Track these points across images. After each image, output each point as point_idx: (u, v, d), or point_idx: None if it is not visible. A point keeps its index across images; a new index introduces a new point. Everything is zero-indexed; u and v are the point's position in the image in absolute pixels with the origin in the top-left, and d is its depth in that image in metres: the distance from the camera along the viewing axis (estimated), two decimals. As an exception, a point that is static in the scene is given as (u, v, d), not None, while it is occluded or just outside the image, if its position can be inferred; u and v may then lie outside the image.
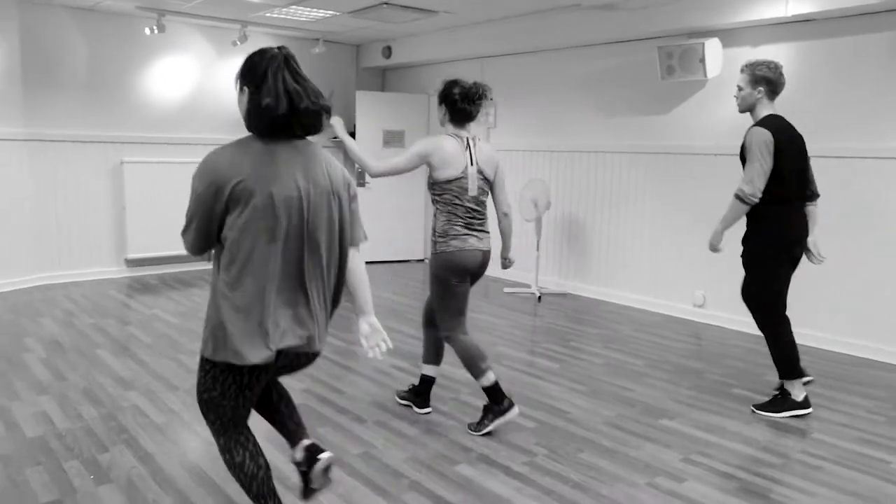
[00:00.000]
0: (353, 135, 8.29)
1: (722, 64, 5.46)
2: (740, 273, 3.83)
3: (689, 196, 5.80)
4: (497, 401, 3.37)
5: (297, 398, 3.83)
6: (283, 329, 2.05)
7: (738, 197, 3.59)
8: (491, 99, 7.43)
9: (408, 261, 8.41)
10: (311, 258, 2.09)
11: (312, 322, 2.11)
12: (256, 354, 1.99)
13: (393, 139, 8.12)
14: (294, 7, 6.30)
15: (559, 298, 6.55)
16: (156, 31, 6.58)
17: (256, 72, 2.05)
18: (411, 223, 8.35)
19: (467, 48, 7.23)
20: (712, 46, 5.36)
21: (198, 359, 4.13)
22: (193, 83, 7.33)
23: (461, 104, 3.40)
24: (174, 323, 5.35)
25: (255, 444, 2.22)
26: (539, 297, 6.48)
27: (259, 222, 1.98)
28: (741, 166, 3.67)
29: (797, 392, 3.71)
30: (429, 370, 3.65)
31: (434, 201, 3.46)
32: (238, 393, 2.10)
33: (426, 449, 3.23)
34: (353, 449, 3.21)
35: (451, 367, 4.41)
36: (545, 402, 3.86)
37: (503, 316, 5.80)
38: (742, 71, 3.65)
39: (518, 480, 2.93)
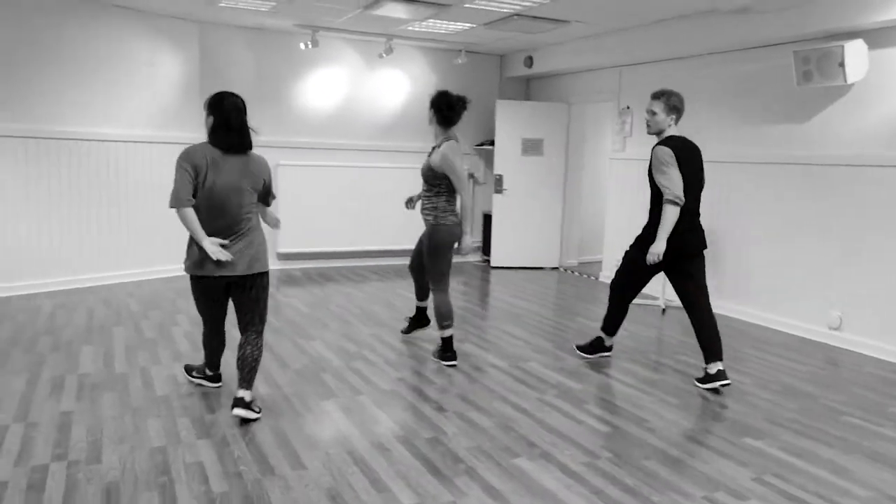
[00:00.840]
0: (491, 143, 8.54)
1: (867, 67, 5.07)
2: (883, 294, 3.65)
3: (828, 209, 5.42)
4: (446, 350, 4.54)
5: (389, 385, 4.11)
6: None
7: (672, 202, 4.03)
8: (628, 108, 7.37)
9: (542, 268, 8.49)
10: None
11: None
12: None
13: (531, 147, 8.26)
14: (431, 20, 6.66)
15: (684, 312, 6.35)
16: (310, 46, 7.23)
17: (219, 107, 3.38)
18: (547, 231, 8.42)
19: (605, 57, 7.22)
20: (854, 49, 5.00)
21: (314, 343, 4.56)
22: (344, 93, 7.95)
23: (447, 112, 4.36)
24: (304, 311, 5.87)
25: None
26: (664, 310, 6.33)
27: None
28: (651, 184, 4.19)
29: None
30: (422, 304, 5.00)
31: (436, 186, 4.41)
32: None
33: (493, 441, 3.37)
34: (424, 433, 3.43)
35: (540, 367, 4.49)
36: (629, 410, 3.84)
37: (623, 326, 5.74)
38: (658, 98, 4.17)
39: (571, 478, 2.99)
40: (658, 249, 4.08)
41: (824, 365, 4.83)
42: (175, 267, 7.14)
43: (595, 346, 4.76)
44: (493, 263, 8.42)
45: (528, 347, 5.04)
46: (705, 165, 6.50)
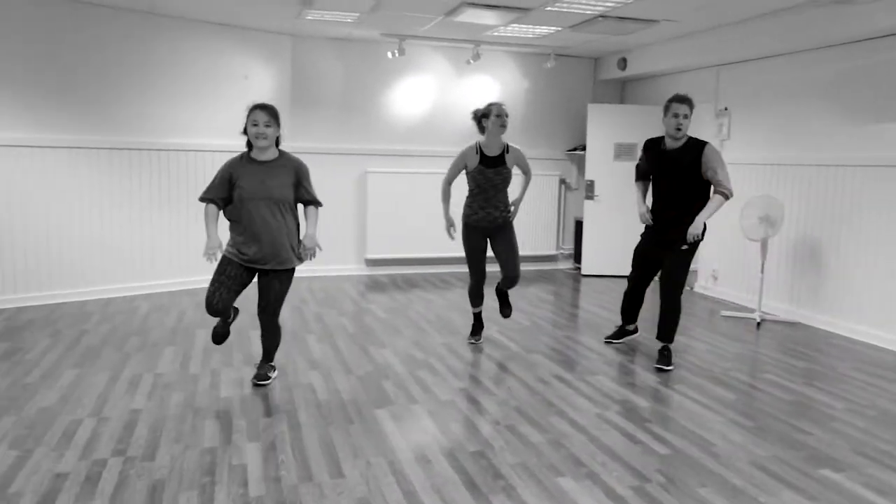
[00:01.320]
0: (583, 148, 8.33)
1: None
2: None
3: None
4: (477, 330, 5.20)
5: (448, 395, 4.07)
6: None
7: (728, 196, 4.48)
8: (725, 109, 6.98)
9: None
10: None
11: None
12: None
13: (624, 152, 7.99)
14: (515, 25, 6.57)
15: (783, 326, 5.92)
16: (397, 55, 7.33)
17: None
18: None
19: (701, 56, 6.87)
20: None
21: (383, 351, 4.61)
22: (432, 99, 8.00)
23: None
24: (381, 317, 5.94)
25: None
26: (759, 323, 5.93)
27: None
28: (685, 177, 4.52)
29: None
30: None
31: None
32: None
33: (540, 458, 3.25)
34: (471, 446, 3.36)
35: (608, 381, 4.31)
36: (693, 431, 3.61)
37: (708, 339, 5.44)
38: (687, 103, 4.52)
39: (613, 502, 2.84)
40: (697, 230, 4.45)
41: (935, 390, 4.36)
42: (267, 271, 7.42)
43: (620, 333, 5.27)
44: (583, 271, 8.20)
45: (599, 360, 4.86)
46: (809, 170, 6.05)
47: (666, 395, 4.18)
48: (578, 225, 8.48)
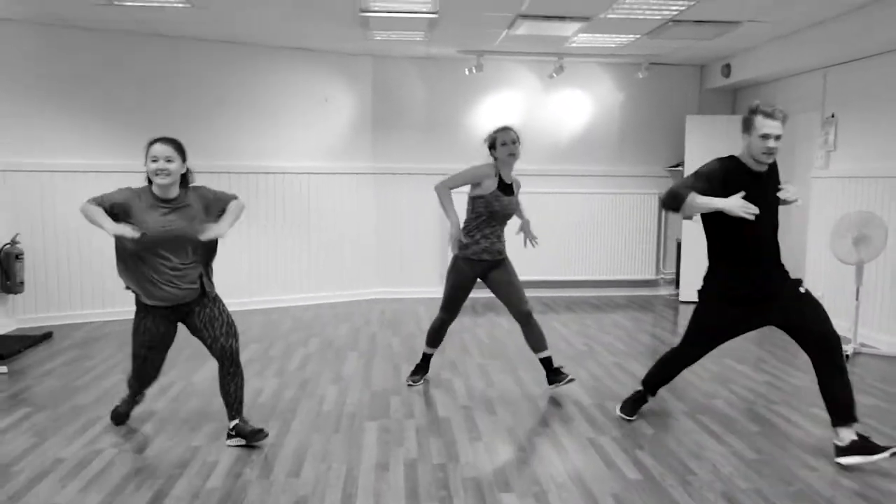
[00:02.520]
0: (676, 166, 8.26)
1: None
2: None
3: None
4: (420, 370, 4.95)
5: (448, 412, 4.35)
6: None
7: None
8: (832, 116, 6.71)
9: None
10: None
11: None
12: None
13: (728, 166, 7.81)
14: (586, 34, 6.76)
15: (880, 361, 5.58)
16: (475, 71, 7.74)
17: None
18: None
19: (806, 58, 6.65)
20: None
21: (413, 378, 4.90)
22: (518, 116, 8.25)
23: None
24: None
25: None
26: (848, 356, 5.63)
27: None
28: (776, 199, 3.75)
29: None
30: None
31: None
32: None
33: (498, 474, 3.46)
34: (435, 459, 3.63)
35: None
36: (681, 460, 3.63)
37: (774, 371, 5.28)
38: (780, 119, 3.56)
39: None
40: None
41: None
42: (351, 292, 8.05)
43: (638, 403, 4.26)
44: (681, 297, 8.07)
45: (630, 385, 4.91)
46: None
47: (677, 423, 4.19)
48: (678, 246, 8.36)
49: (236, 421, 3.79)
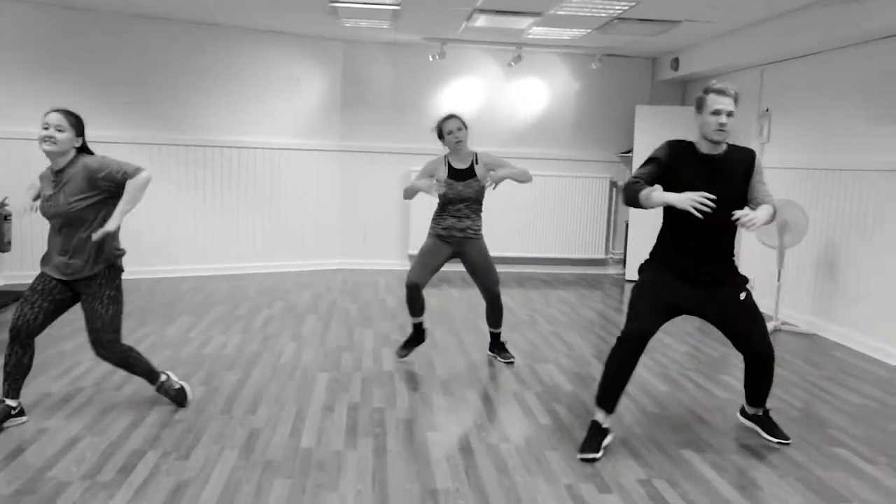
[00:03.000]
0: (627, 152, 8.78)
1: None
2: None
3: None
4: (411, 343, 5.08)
5: (392, 366, 4.85)
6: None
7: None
8: (767, 111, 7.25)
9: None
10: None
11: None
12: None
13: (673, 155, 8.35)
14: (541, 28, 7.23)
15: (795, 337, 6.16)
16: (437, 58, 8.19)
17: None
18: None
19: (745, 55, 7.16)
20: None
21: (366, 331, 5.34)
22: (479, 101, 8.75)
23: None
24: (389, 306, 6.80)
25: None
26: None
27: None
28: (734, 197, 3.54)
29: None
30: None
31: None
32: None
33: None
34: (376, 403, 4.14)
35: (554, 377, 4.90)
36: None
37: (694, 342, 5.84)
38: (732, 96, 3.52)
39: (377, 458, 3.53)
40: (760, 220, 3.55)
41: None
42: (316, 262, 8.52)
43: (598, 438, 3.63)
44: (627, 276, 8.63)
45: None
46: (835, 175, 6.24)
47: (594, 383, 4.73)
48: (629, 229, 8.91)
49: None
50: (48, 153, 3.57)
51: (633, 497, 3.13)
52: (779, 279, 6.38)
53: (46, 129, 3.52)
